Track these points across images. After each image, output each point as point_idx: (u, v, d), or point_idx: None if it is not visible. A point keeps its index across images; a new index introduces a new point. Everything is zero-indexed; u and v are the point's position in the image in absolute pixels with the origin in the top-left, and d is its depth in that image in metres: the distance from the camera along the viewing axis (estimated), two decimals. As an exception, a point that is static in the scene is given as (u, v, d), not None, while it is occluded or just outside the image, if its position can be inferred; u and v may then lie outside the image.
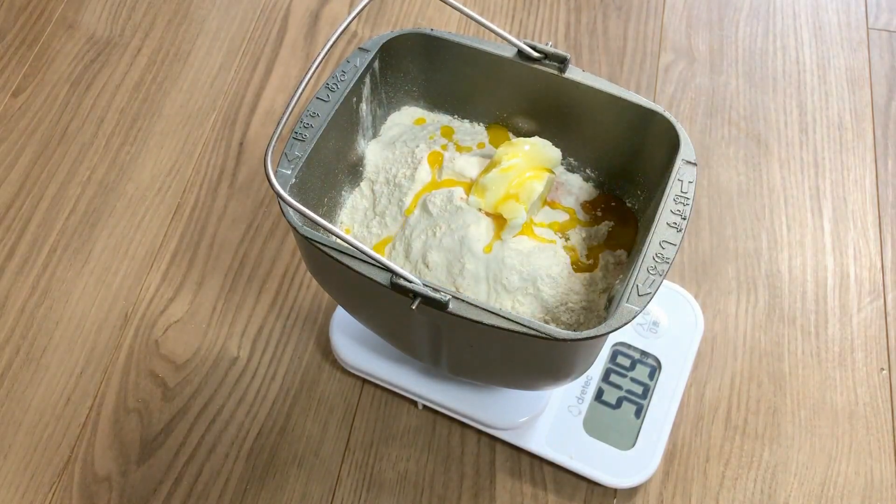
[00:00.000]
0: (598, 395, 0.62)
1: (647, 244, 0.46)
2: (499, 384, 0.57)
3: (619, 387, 0.62)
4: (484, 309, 0.44)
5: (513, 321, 0.44)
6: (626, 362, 0.63)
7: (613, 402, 0.62)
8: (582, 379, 0.63)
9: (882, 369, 0.66)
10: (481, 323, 0.44)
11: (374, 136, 0.58)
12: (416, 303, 0.44)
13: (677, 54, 0.82)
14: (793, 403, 0.64)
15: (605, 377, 0.63)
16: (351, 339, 0.62)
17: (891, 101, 0.79)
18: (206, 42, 0.83)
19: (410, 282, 0.44)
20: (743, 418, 0.64)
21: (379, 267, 0.45)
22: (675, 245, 0.46)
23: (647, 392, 0.62)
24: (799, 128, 0.78)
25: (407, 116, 0.59)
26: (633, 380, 0.63)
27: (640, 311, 0.44)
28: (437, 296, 0.44)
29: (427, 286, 0.44)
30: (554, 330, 0.44)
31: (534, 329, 0.43)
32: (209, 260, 0.70)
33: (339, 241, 0.45)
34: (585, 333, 0.44)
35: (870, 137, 0.77)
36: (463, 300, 0.44)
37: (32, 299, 0.69)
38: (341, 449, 0.62)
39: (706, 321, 0.67)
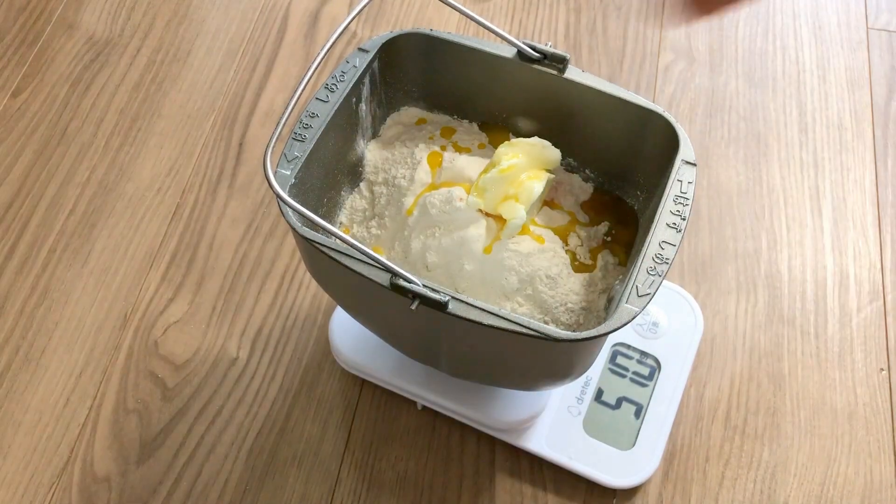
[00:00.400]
0: (598, 396, 0.62)
1: (646, 245, 0.46)
2: (498, 384, 0.57)
3: (618, 387, 0.62)
4: (483, 310, 0.44)
5: (512, 322, 0.44)
6: (626, 363, 0.63)
7: (613, 402, 0.62)
8: (581, 379, 0.63)
9: (881, 369, 0.66)
10: (480, 324, 0.44)
11: (374, 136, 0.58)
12: (416, 304, 0.44)
13: (677, 54, 0.82)
14: (792, 404, 0.64)
15: (605, 377, 0.63)
16: (351, 340, 0.62)
17: (890, 101, 0.79)
18: (205, 42, 0.83)
19: (410, 282, 0.44)
20: (742, 418, 0.64)
21: (379, 268, 0.45)
22: (674, 245, 0.46)
23: (646, 392, 0.62)
24: (799, 128, 0.78)
25: (406, 117, 0.59)
26: (632, 380, 0.63)
27: (640, 312, 0.44)
28: (436, 296, 0.44)
29: (426, 287, 0.44)
30: (553, 330, 0.44)
31: (533, 329, 0.43)
32: (208, 260, 0.70)
33: (338, 241, 0.45)
34: (584, 334, 0.44)
35: (869, 137, 0.77)
36: (462, 301, 0.44)
37: (32, 300, 0.69)
38: (341, 449, 0.62)
39: (706, 321, 0.67)
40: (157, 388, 0.65)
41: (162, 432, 0.63)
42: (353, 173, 0.56)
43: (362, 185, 0.57)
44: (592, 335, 0.44)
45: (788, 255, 0.71)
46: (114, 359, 0.66)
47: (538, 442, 0.60)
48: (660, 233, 0.46)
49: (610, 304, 0.51)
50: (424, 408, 0.63)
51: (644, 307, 0.44)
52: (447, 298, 0.44)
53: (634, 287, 0.45)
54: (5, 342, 0.67)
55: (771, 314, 0.68)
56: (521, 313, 0.51)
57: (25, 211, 0.73)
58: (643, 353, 0.64)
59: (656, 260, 0.45)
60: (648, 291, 0.44)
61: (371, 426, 0.63)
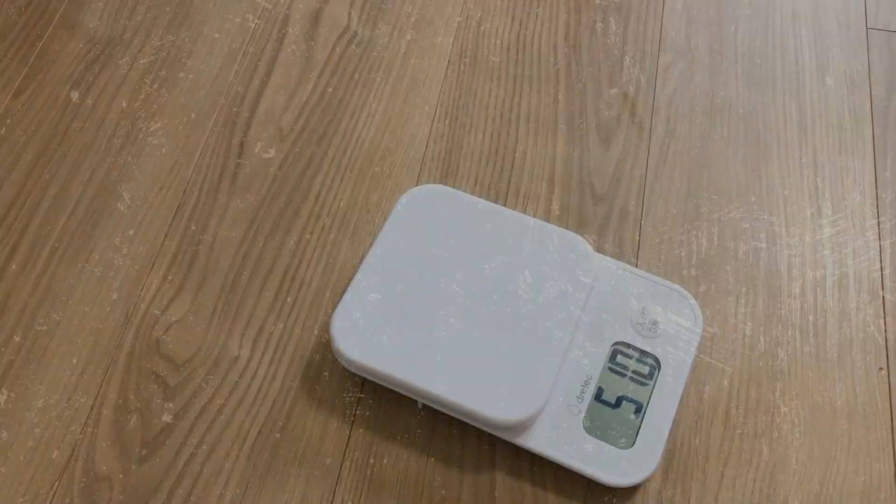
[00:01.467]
0: (598, 395, 0.62)
1: None
2: None
3: (618, 386, 0.63)
4: None
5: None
6: (626, 361, 0.63)
7: (613, 401, 0.62)
8: (582, 378, 0.63)
9: (881, 369, 0.66)
10: None
11: None
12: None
13: (677, 54, 0.82)
14: (792, 403, 0.64)
15: (605, 376, 0.63)
16: (352, 339, 0.62)
17: (890, 101, 0.80)
18: (206, 42, 0.83)
19: None
20: (742, 418, 0.64)
21: None
22: None
23: (646, 391, 0.62)
24: (798, 128, 0.78)
25: None
26: (632, 379, 0.63)
27: None
28: None
29: None
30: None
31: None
32: (210, 260, 0.71)
33: None
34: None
35: (869, 137, 0.77)
36: None
37: (33, 299, 0.69)
38: (341, 449, 0.63)
39: (706, 321, 0.67)
40: (159, 388, 0.65)
41: (163, 431, 0.63)
42: None
43: None
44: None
45: (788, 254, 0.71)
46: (115, 358, 0.66)
47: (538, 441, 0.60)
48: None
49: None
50: (425, 407, 0.63)
51: None
52: None
53: None
54: (6, 342, 0.67)
55: (771, 314, 0.68)
56: None
57: (27, 211, 0.73)
58: (643, 353, 0.64)
59: None
60: None
61: (371, 426, 0.63)
